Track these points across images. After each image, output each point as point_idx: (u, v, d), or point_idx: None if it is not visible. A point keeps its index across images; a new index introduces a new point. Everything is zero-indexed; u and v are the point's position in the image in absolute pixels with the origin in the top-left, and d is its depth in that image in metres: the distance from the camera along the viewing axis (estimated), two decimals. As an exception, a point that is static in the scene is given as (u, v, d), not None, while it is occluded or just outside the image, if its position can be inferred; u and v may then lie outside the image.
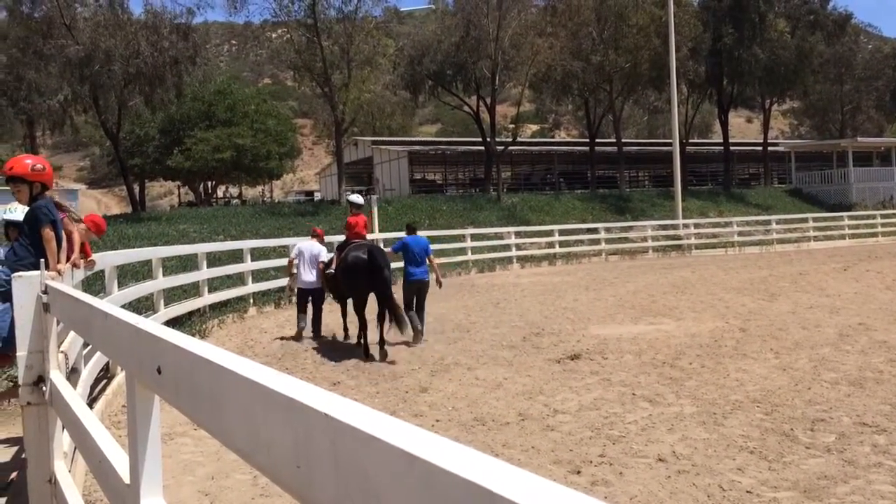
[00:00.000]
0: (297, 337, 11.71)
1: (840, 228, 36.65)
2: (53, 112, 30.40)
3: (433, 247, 12.35)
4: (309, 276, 11.94)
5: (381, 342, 9.96)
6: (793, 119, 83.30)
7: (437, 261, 12.44)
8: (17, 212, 5.76)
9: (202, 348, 1.49)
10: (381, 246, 13.55)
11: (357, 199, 12.34)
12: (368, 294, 10.30)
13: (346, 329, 11.63)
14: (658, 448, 5.68)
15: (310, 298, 11.95)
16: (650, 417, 6.52)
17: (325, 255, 12.09)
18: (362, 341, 10.28)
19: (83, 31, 28.35)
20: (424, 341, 10.84)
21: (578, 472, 5.28)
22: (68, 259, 5.74)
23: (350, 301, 10.81)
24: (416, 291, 11.21)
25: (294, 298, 12.91)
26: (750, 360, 8.80)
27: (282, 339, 11.84)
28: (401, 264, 11.67)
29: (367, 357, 9.86)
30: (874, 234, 36.83)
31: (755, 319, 11.97)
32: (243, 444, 1.29)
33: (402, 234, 12.43)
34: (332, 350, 10.75)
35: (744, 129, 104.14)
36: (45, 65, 28.67)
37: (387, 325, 10.18)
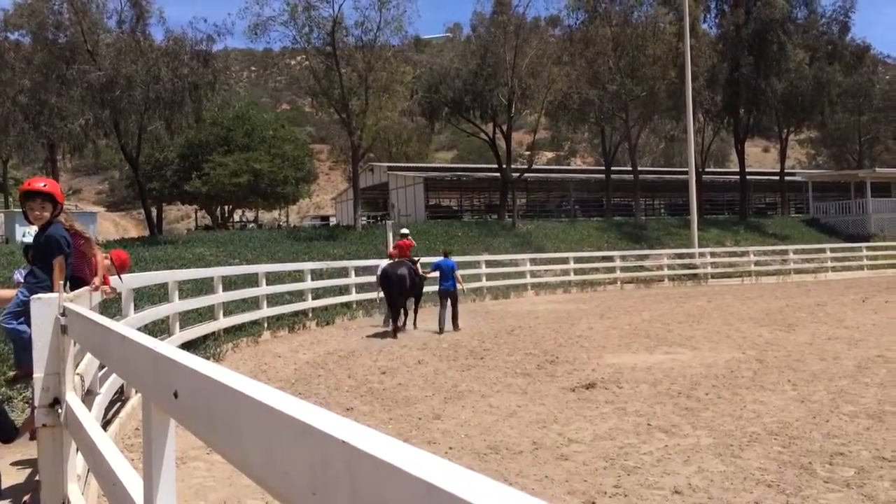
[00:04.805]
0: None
1: (858, 259, 36.34)
2: (74, 136, 30.81)
3: (434, 274, 16.62)
4: None
5: (396, 324, 15.34)
6: (810, 149, 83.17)
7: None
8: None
9: (219, 373, 1.49)
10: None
11: (404, 230, 18.96)
12: (389, 293, 15.41)
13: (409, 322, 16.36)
14: (674, 480, 5.61)
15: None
16: (666, 448, 6.45)
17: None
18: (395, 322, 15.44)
19: (105, 57, 28.83)
20: (448, 331, 15.49)
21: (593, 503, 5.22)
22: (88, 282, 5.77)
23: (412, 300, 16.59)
24: (446, 296, 15.84)
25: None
26: (767, 391, 8.69)
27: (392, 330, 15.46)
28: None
29: (394, 330, 15.15)
30: (893, 265, 36.46)
31: (772, 350, 11.85)
32: (259, 469, 1.28)
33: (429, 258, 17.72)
34: (345, 375, 10.75)
35: (760, 158, 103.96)
36: (68, 89, 29.13)
37: (411, 317, 16.47)
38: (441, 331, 15.48)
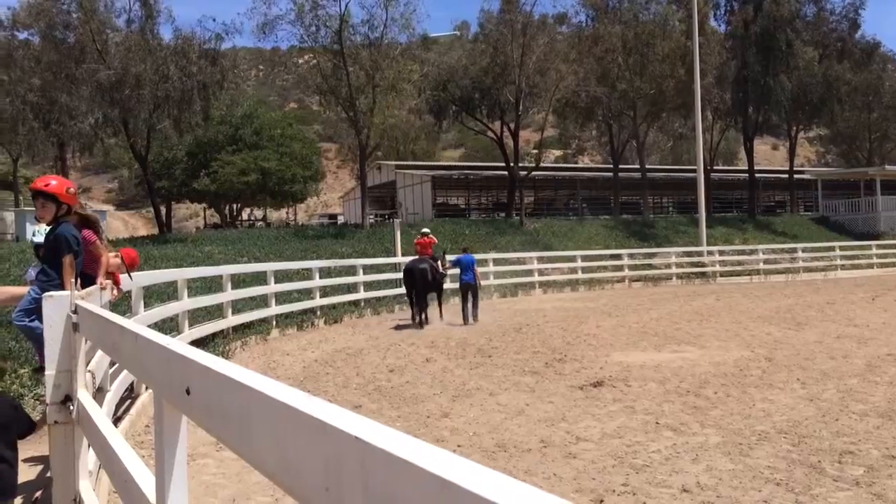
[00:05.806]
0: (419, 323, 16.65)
1: (868, 257, 36.17)
2: (84, 134, 30.93)
3: (455, 270, 17.87)
4: None
5: (420, 317, 16.60)
6: (819, 147, 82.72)
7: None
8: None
9: (232, 370, 1.50)
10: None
11: (425, 230, 19.53)
12: (412, 287, 16.65)
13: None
14: (682, 478, 5.60)
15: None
16: (674, 447, 6.44)
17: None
18: (416, 315, 16.64)
19: (114, 56, 28.93)
20: (471, 323, 16.64)
21: (601, 502, 5.22)
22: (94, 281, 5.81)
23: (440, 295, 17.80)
24: (465, 289, 17.15)
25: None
26: (776, 389, 8.67)
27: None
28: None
29: (417, 323, 16.40)
30: (903, 264, 36.31)
31: (781, 349, 11.81)
32: (272, 466, 1.29)
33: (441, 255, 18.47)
34: (354, 373, 10.77)
35: (769, 156, 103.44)
36: (77, 88, 29.23)
37: (438, 310, 17.43)
38: (465, 322, 16.71)
